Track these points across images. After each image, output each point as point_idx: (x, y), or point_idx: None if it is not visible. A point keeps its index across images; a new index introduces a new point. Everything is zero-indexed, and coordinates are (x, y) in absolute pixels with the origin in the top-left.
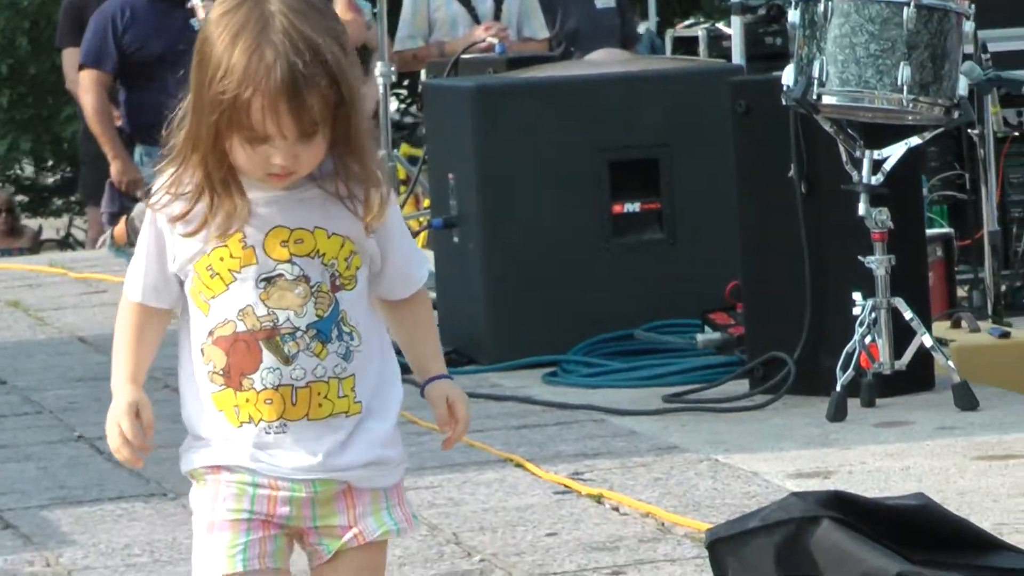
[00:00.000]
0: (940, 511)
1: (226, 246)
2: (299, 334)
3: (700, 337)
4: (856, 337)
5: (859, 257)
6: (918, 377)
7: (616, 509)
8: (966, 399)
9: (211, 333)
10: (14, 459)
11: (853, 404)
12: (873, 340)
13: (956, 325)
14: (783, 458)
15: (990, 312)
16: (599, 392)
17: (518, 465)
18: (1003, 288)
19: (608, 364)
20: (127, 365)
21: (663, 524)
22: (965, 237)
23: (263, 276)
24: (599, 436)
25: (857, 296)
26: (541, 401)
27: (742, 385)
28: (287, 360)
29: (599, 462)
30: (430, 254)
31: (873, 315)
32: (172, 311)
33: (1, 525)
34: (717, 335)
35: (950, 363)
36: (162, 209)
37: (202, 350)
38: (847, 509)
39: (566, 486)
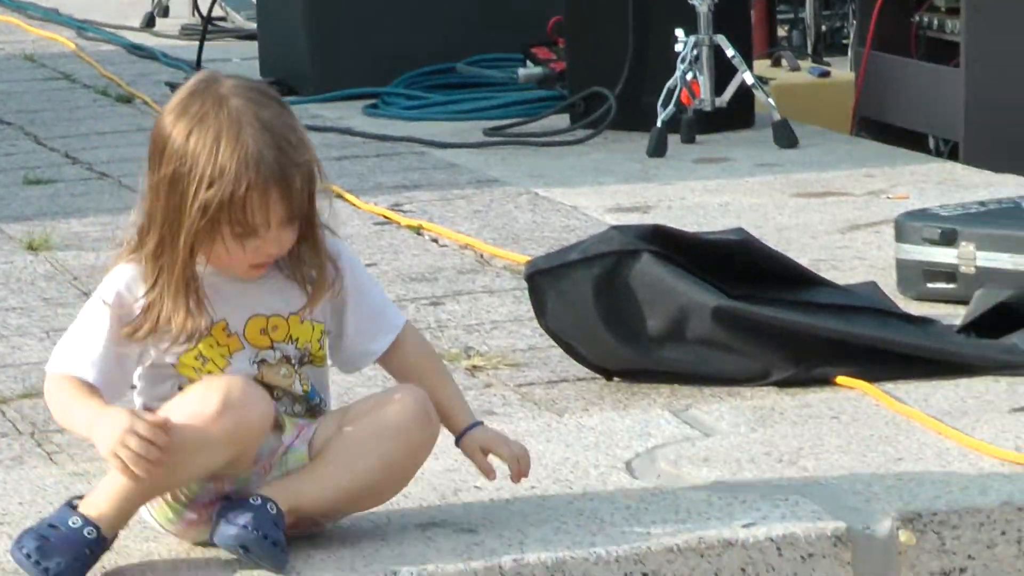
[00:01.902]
0: (759, 246)
1: (211, 335)
2: (296, 407)
3: (522, 71)
4: (678, 73)
5: None
6: (738, 114)
7: (435, 241)
8: (786, 137)
9: None
10: None
11: (673, 140)
12: (694, 77)
13: (776, 64)
14: (603, 192)
15: (810, 51)
16: (420, 125)
17: (338, 196)
18: (823, 28)
19: (429, 97)
20: (94, 405)
21: (482, 256)
22: None
23: (254, 360)
24: (419, 168)
25: (679, 32)
26: (361, 133)
27: (563, 120)
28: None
29: (419, 194)
30: None
31: (695, 52)
32: None
33: None
34: (539, 69)
35: (770, 100)
36: (126, 315)
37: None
38: (667, 243)
39: (386, 217)
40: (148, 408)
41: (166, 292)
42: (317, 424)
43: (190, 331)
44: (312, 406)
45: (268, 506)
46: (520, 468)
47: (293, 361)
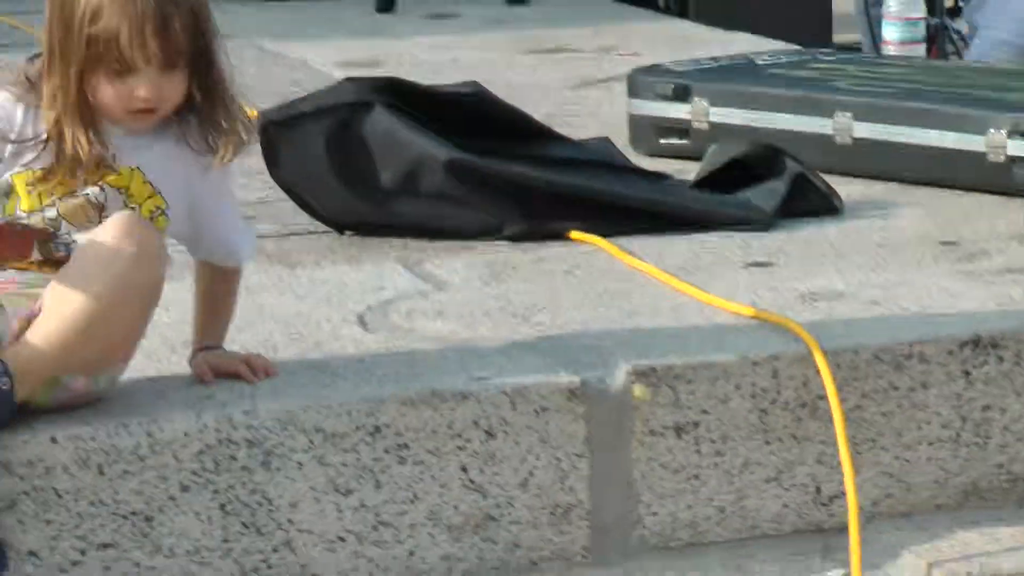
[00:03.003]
0: (494, 99)
1: (58, 175)
2: (74, 245)
3: None
4: None
5: None
6: None
7: None
8: None
9: None
10: None
11: None
12: None
13: None
14: (331, 46)
15: None
16: None
17: None
18: None
19: None
20: None
21: None
22: None
23: (71, 192)
24: None
25: None
26: None
27: None
28: (51, 260)
29: None
30: None
31: None
32: None
33: None
34: None
35: None
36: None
37: None
38: (401, 95)
39: None
40: None
41: (64, 115)
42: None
43: (96, 157)
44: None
45: None
46: (254, 366)
47: (108, 212)
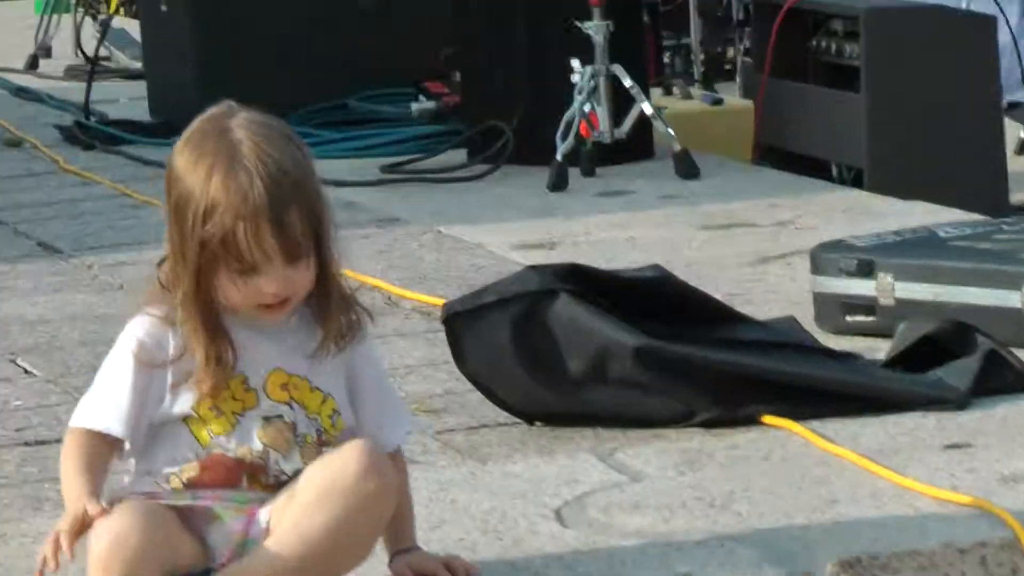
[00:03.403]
0: (677, 282)
1: (228, 388)
2: (284, 477)
3: (415, 106)
4: (575, 105)
5: (576, 22)
6: (637, 146)
7: None
8: (687, 167)
9: (196, 456)
10: None
11: (573, 174)
12: (592, 108)
13: (668, 92)
14: (506, 229)
15: (698, 78)
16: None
17: None
18: (707, 53)
19: (322, 134)
20: (77, 486)
21: (390, 297)
22: (668, 2)
23: (264, 415)
24: None
25: (575, 63)
26: None
27: (460, 155)
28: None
29: None
30: (135, 24)
31: (592, 83)
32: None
33: None
34: (432, 104)
35: (670, 131)
36: (150, 363)
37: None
38: (584, 281)
39: None
40: (151, 474)
41: (191, 329)
42: (272, 501)
43: (218, 362)
44: (282, 482)
45: None
46: (454, 568)
47: (300, 432)
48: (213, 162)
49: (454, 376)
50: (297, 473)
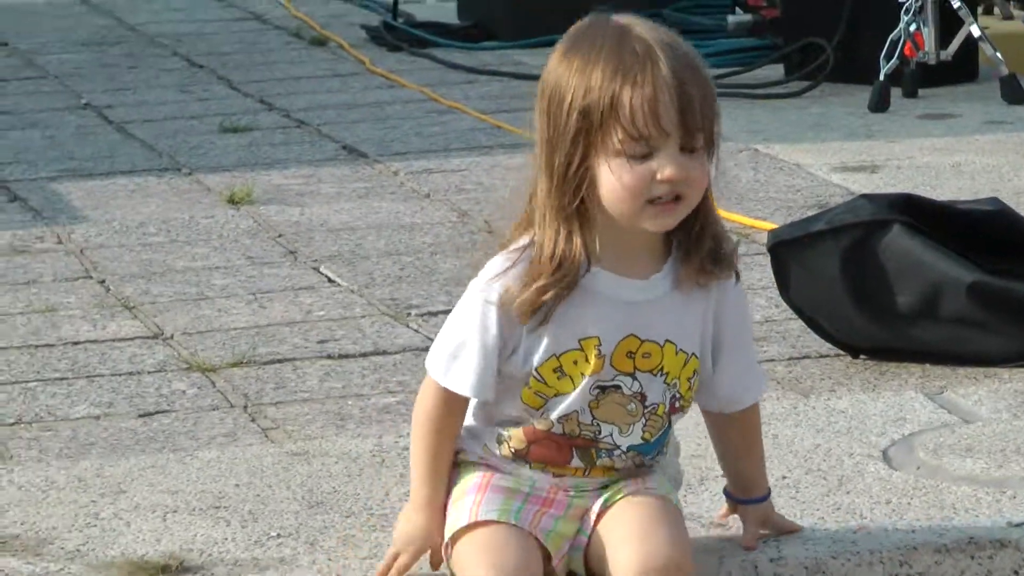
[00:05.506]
0: (1016, 217)
1: (581, 350)
2: (617, 452)
3: (731, 18)
4: (902, 24)
5: None
6: (962, 68)
7: None
8: (1014, 92)
9: (523, 421)
10: (18, 126)
11: (895, 94)
12: (918, 28)
13: (988, 13)
14: (825, 150)
15: None
16: None
17: None
18: None
19: None
20: (433, 480)
21: None
22: None
23: (599, 384)
24: None
25: None
26: None
27: (776, 71)
28: (594, 467)
29: None
30: None
31: (919, 2)
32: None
33: (8, 197)
34: (749, 17)
35: (998, 54)
36: (509, 304)
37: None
38: (918, 213)
39: None
40: (495, 424)
41: (546, 228)
42: (598, 500)
43: (560, 264)
44: (639, 463)
45: None
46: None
47: (651, 402)
48: (600, 45)
49: (773, 303)
50: (633, 449)
